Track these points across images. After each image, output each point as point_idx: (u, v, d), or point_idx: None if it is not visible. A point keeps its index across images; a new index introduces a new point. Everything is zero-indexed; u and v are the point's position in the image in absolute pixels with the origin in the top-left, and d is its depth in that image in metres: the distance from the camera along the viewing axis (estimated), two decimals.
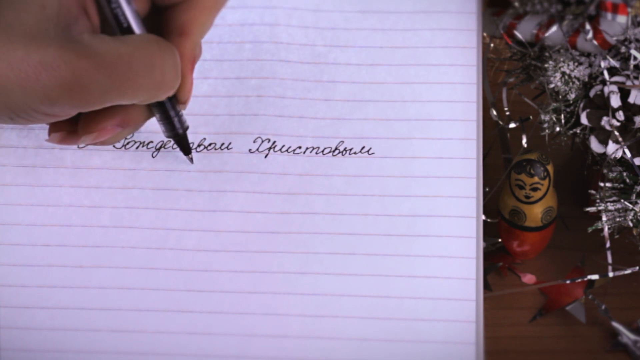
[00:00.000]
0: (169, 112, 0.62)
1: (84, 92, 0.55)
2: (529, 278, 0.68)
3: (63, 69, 0.55)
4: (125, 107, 0.60)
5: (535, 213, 0.66)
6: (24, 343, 0.60)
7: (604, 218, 0.65)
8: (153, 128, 0.66)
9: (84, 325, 0.60)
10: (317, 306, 0.61)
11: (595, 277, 0.66)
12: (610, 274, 0.65)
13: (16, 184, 0.65)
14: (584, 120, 0.65)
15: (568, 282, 0.67)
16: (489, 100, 0.71)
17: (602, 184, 0.65)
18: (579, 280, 0.66)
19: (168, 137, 0.63)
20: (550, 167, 0.65)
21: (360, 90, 0.68)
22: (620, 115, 0.64)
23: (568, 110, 0.67)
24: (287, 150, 0.66)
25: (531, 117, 0.70)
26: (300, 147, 0.66)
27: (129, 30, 0.58)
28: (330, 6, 0.71)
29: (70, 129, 0.61)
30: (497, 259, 0.69)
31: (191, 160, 0.65)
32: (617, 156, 0.65)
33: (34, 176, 0.65)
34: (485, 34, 0.71)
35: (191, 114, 0.67)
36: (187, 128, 0.63)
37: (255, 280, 0.62)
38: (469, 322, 0.60)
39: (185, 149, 0.65)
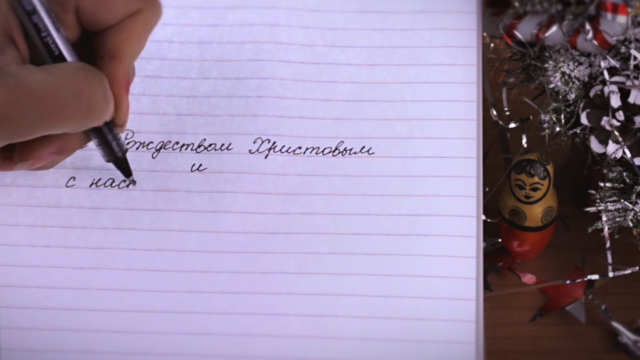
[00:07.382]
0: (106, 136, 0.61)
1: (11, 124, 0.55)
2: (529, 278, 0.68)
3: None
4: (61, 134, 0.59)
5: (535, 213, 0.66)
6: (24, 343, 0.60)
7: (604, 218, 0.65)
8: (153, 128, 0.66)
9: (84, 325, 0.61)
10: (317, 306, 0.61)
11: (595, 277, 0.66)
12: (610, 274, 0.65)
13: (16, 184, 0.65)
14: (584, 120, 0.65)
15: (568, 282, 0.67)
16: (489, 100, 0.71)
17: (602, 184, 0.65)
18: (579, 280, 0.66)
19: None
20: (550, 167, 0.65)
21: (360, 90, 0.68)
22: (620, 115, 0.64)
23: (568, 110, 0.67)
24: (287, 151, 0.66)
25: (531, 117, 0.70)
26: (300, 148, 0.66)
27: (60, 57, 0.58)
28: (330, 6, 0.71)
29: (6, 155, 0.60)
30: (497, 259, 0.69)
31: (134, 182, 0.65)
32: (617, 156, 0.65)
33: (34, 177, 0.65)
34: (485, 34, 0.71)
35: (191, 114, 0.67)
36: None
37: (255, 280, 0.62)
38: (469, 321, 0.61)
39: (126, 171, 0.64)
